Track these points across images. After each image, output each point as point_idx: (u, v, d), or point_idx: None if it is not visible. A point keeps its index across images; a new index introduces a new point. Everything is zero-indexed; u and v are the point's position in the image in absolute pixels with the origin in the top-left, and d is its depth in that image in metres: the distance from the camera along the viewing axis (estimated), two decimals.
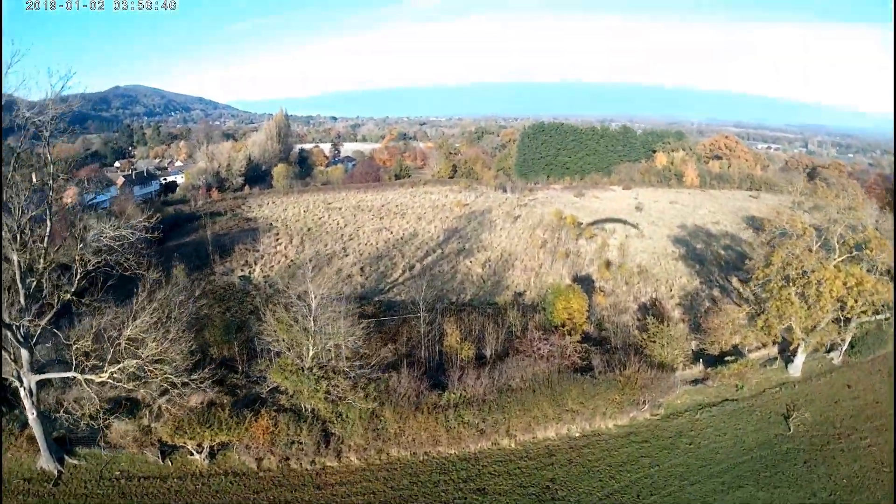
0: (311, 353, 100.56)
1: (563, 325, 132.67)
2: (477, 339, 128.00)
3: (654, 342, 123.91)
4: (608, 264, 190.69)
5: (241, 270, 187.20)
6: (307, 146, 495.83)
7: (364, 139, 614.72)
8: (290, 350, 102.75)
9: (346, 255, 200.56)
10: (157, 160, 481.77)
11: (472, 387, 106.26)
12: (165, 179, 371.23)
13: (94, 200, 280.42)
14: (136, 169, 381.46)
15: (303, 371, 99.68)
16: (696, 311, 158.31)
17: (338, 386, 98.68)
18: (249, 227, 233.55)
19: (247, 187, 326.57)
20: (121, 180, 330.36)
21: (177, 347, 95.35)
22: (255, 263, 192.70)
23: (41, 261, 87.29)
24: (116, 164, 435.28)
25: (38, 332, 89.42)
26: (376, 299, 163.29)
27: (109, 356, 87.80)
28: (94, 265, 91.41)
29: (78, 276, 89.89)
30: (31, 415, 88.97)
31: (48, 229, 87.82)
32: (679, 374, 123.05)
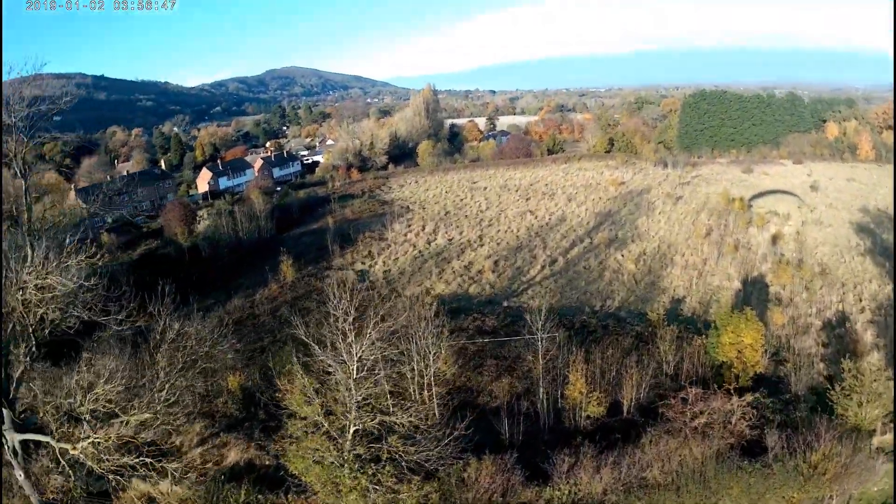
0: (351, 429, 64.32)
1: (730, 367, 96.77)
2: (612, 384, 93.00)
3: (851, 398, 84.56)
4: (784, 262, 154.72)
5: (362, 263, 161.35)
6: (461, 121, 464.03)
7: (522, 112, 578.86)
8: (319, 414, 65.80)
9: (482, 245, 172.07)
10: (308, 139, 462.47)
11: (588, 482, 69.59)
12: (309, 160, 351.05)
13: (230, 185, 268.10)
14: (279, 150, 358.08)
15: (340, 455, 63.17)
16: (891, 329, 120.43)
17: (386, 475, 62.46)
18: (383, 212, 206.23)
19: (391, 166, 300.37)
20: (259, 162, 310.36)
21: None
22: (379, 255, 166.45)
23: None
24: (267, 144, 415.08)
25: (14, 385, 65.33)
26: (505, 304, 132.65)
27: (85, 423, 63.21)
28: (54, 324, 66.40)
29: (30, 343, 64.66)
30: (20, 476, 66.92)
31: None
32: (876, 440, 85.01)
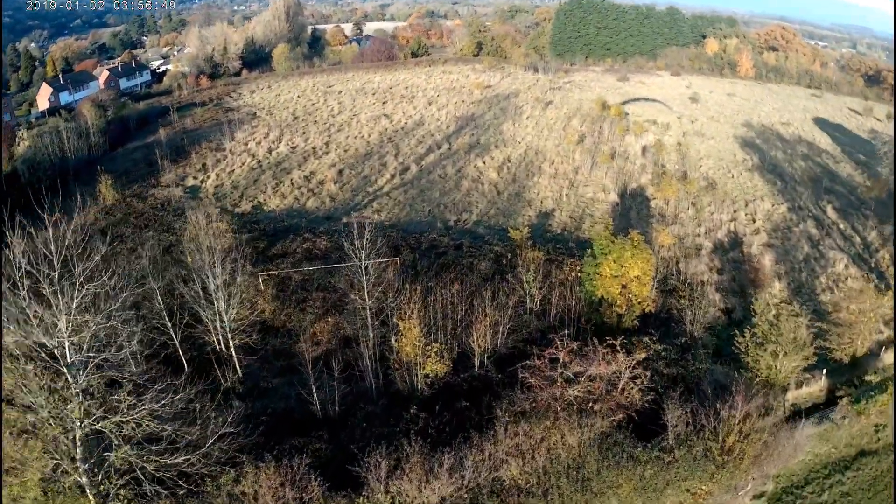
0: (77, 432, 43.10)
1: (611, 305, 73.00)
2: (461, 327, 69.33)
3: (765, 348, 64.20)
4: (667, 175, 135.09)
5: (194, 178, 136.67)
6: (326, 27, 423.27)
7: (392, 18, 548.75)
8: None
9: (327, 153, 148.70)
10: (167, 48, 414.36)
11: (417, 493, 46.05)
12: (161, 70, 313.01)
13: (71, 100, 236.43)
14: (129, 60, 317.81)
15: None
16: (791, 255, 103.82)
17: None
18: (227, 120, 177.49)
19: (244, 72, 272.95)
20: (105, 74, 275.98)
21: None
22: (214, 167, 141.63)
23: None
24: (118, 58, 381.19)
25: None
26: (345, 220, 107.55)
27: None
28: None
29: None
30: None
31: None
32: (791, 395, 67.30)
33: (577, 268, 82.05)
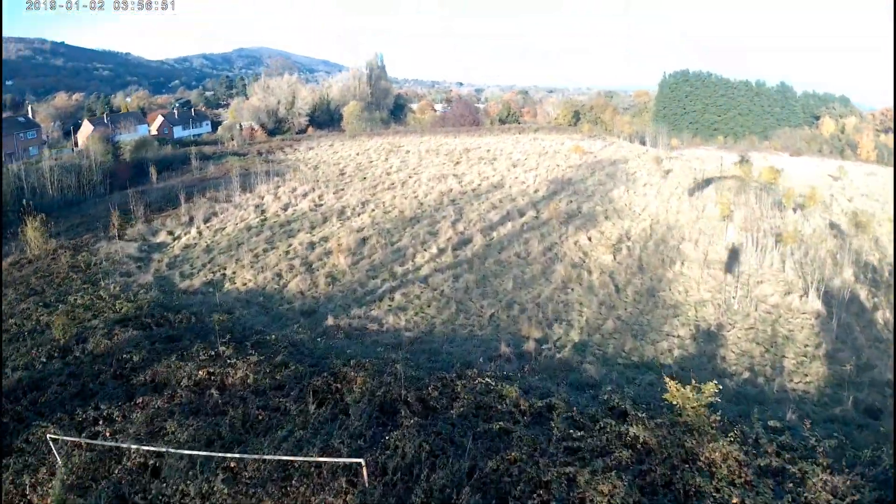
0: None
1: None
2: None
3: None
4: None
5: (169, 233, 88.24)
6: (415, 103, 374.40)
7: (486, 101, 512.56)
8: None
9: (361, 214, 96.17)
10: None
11: None
12: (222, 120, 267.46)
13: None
14: (188, 108, 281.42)
15: None
16: None
17: None
18: (259, 171, 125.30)
19: (310, 129, 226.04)
20: (159, 119, 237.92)
21: None
22: (204, 221, 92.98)
23: None
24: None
25: None
26: (330, 322, 55.10)
27: None
28: None
29: None
30: None
31: None
32: None
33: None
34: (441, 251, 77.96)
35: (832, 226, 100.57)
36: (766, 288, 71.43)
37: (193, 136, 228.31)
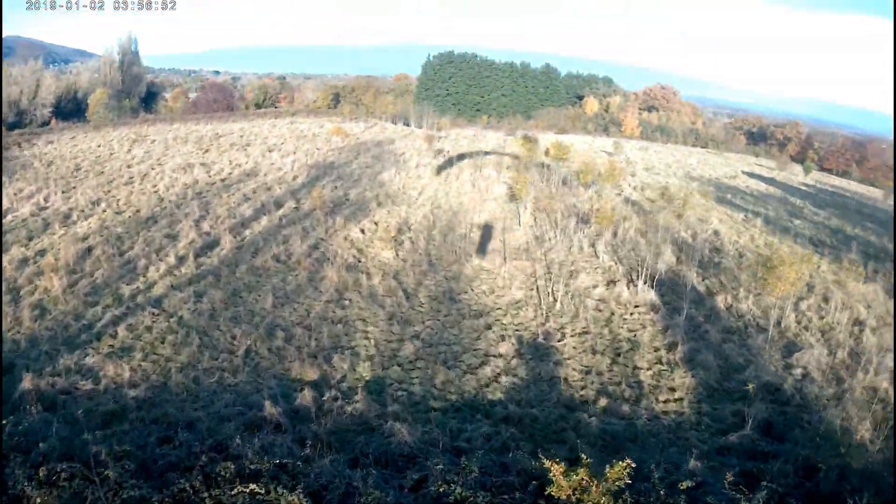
0: None
1: None
2: None
3: None
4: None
5: None
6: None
7: (243, 87, 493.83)
8: None
9: (88, 217, 77.83)
10: None
11: None
12: None
13: None
14: None
15: None
16: None
17: None
18: None
19: (53, 122, 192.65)
20: None
21: None
22: None
23: None
24: None
25: None
26: (24, 387, 37.52)
27: None
28: None
29: None
30: None
31: None
32: None
33: None
34: (181, 260, 62.37)
35: (630, 202, 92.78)
36: (585, 278, 60.97)
37: None
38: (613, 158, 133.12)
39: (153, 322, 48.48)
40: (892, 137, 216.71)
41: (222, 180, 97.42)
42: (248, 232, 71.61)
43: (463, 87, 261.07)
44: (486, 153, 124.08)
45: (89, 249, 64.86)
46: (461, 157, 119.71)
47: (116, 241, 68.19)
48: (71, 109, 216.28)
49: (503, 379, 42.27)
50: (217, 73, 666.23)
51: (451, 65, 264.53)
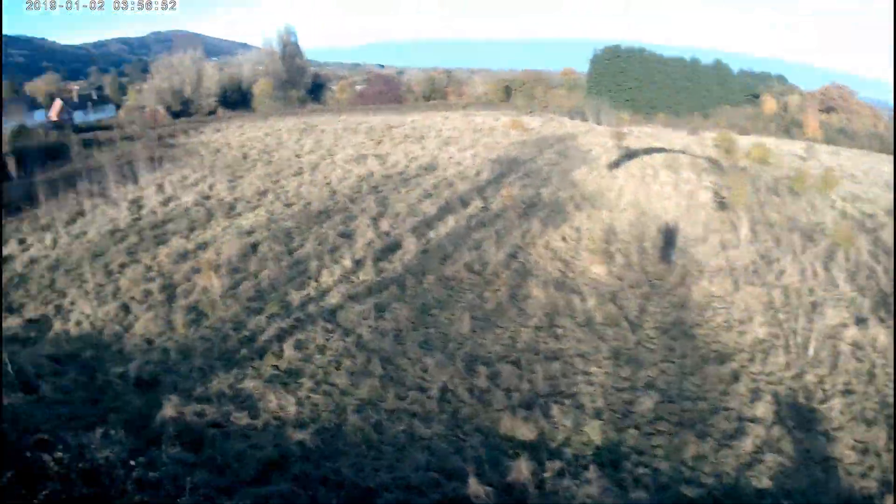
0: None
1: None
2: None
3: None
4: None
5: (23, 242, 62.83)
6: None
7: (408, 81, 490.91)
8: None
9: (255, 208, 71.39)
10: None
11: None
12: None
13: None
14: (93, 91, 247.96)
15: None
16: None
17: None
18: (151, 157, 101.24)
19: (220, 111, 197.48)
20: (58, 104, 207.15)
21: None
22: (71, 223, 68.50)
23: None
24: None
25: None
26: (167, 414, 30.71)
27: None
28: None
29: None
30: None
31: None
32: None
33: None
34: (358, 264, 53.81)
35: (845, 216, 78.62)
36: (831, 314, 48.61)
37: (95, 120, 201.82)
38: (809, 163, 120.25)
39: (326, 340, 40.41)
40: None
41: (399, 173, 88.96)
42: (432, 234, 62.80)
43: (635, 82, 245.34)
44: (678, 153, 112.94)
45: (254, 246, 58.19)
46: (649, 155, 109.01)
47: (285, 237, 61.25)
48: (236, 99, 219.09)
49: (767, 456, 32.04)
50: (381, 66, 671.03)
51: (619, 59, 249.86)
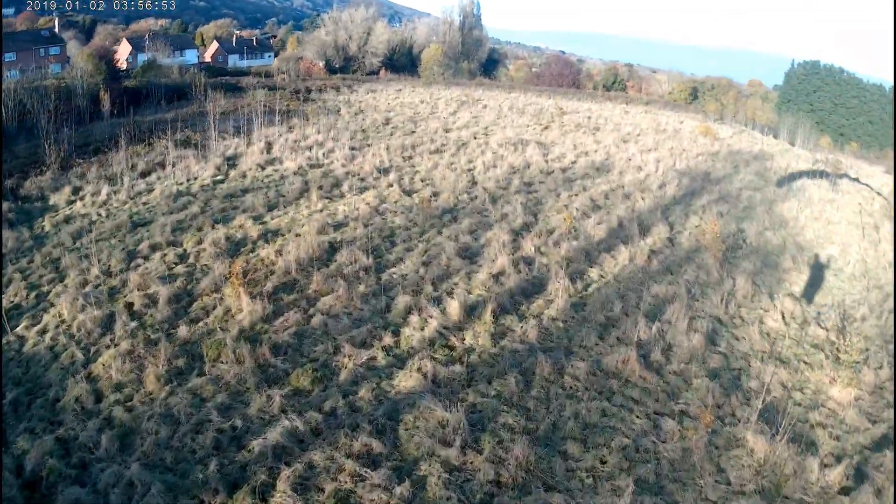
0: None
1: None
2: None
3: None
4: None
5: (78, 191, 53.04)
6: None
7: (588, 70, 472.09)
8: None
9: (369, 188, 53.68)
10: None
11: None
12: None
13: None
14: (251, 38, 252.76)
15: None
16: None
17: None
18: (274, 110, 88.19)
19: (383, 72, 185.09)
20: (214, 46, 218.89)
21: None
22: (146, 174, 56.84)
23: None
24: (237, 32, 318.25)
25: None
26: None
27: None
28: None
29: None
30: None
31: None
32: None
33: None
34: (470, 313, 32.96)
35: None
36: None
37: (248, 66, 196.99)
38: None
39: (354, 485, 20.64)
40: None
41: (562, 170, 68.37)
42: (594, 273, 41.10)
43: (829, 104, 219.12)
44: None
45: (333, 249, 40.30)
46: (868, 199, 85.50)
47: (382, 242, 42.40)
48: (403, 63, 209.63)
49: None
50: (563, 52, 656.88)
51: (816, 76, 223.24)
